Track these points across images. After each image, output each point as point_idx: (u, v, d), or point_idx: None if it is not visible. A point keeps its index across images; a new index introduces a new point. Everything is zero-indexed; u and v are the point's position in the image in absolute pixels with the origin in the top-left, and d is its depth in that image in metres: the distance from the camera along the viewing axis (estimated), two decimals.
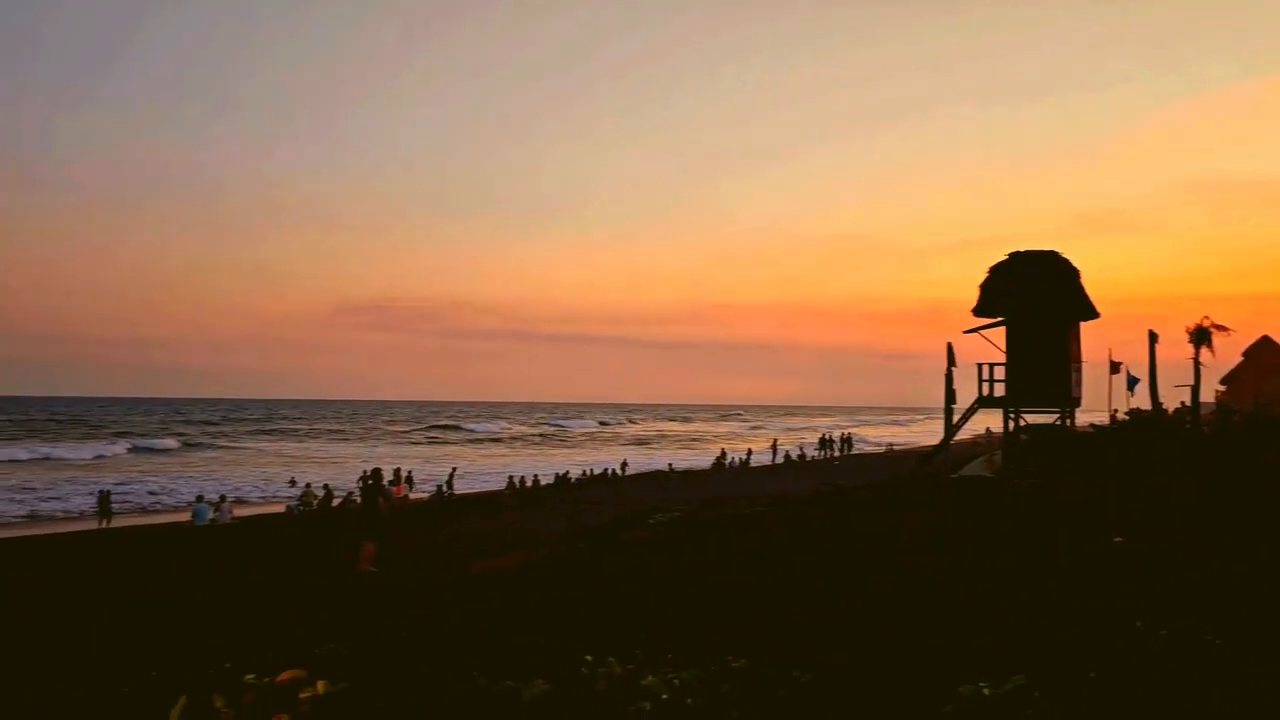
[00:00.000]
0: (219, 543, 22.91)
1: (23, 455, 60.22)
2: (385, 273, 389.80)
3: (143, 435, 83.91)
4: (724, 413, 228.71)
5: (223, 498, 30.05)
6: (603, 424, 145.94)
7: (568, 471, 46.94)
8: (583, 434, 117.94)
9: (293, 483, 47.82)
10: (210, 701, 3.21)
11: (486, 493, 39.88)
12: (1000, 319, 24.04)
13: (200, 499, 29.38)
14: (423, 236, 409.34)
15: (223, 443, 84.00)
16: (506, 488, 41.73)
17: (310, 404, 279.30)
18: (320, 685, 3.27)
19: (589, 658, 3.70)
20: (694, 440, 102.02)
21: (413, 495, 39.77)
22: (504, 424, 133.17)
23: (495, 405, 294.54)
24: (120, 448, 69.47)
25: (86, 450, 66.03)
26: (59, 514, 35.19)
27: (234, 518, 28.90)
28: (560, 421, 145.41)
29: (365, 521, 17.30)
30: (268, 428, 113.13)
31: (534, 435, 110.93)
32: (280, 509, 34.90)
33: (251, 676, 3.36)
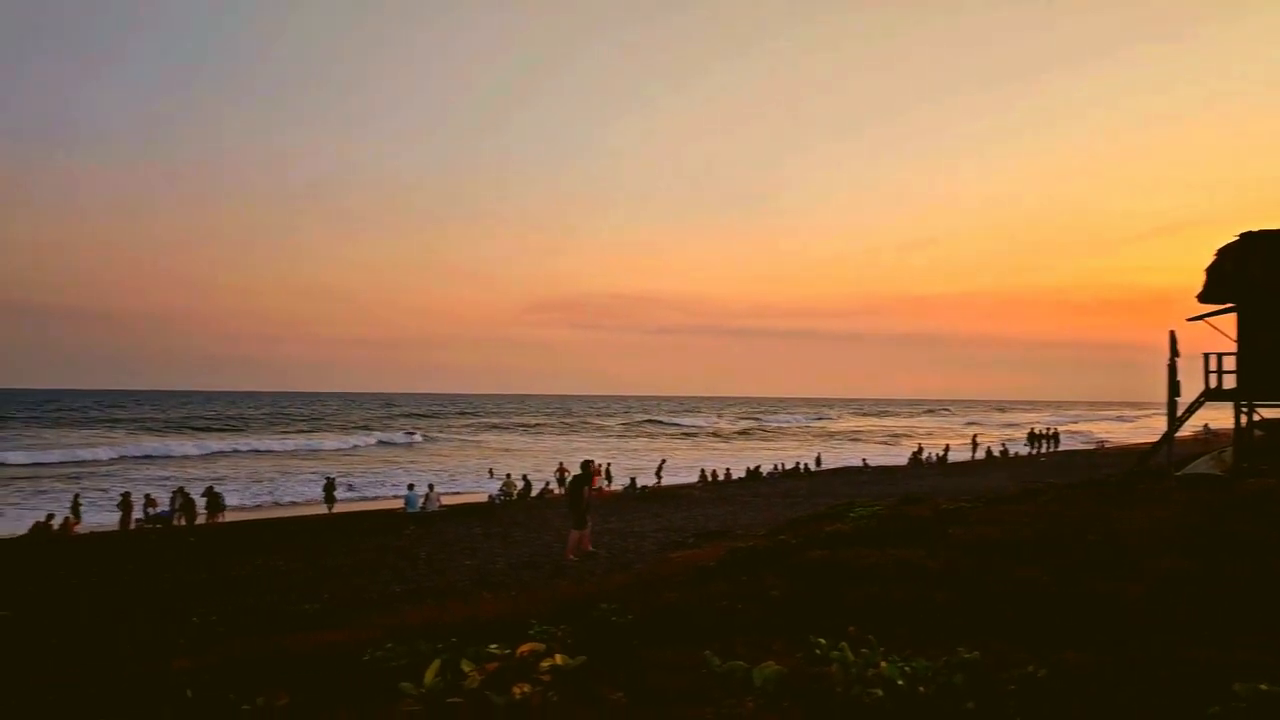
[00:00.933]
0: (421, 528, 24.22)
1: (287, 446, 67.21)
2: (575, 271, 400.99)
3: (385, 430, 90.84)
4: (927, 408, 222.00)
5: (431, 487, 31.65)
6: (818, 418, 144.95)
7: (759, 466, 46.78)
8: (779, 428, 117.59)
9: (492, 473, 49.91)
10: (459, 666, 3.42)
11: (678, 486, 40.24)
12: (1231, 305, 22.12)
13: (411, 487, 31.12)
14: (611, 234, 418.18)
15: (437, 436, 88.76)
16: (698, 481, 42.02)
17: (507, 399, 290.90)
18: (559, 657, 3.41)
19: (821, 641, 3.68)
20: (892, 436, 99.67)
21: (608, 487, 40.70)
22: (710, 419, 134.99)
23: (688, 399, 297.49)
24: (369, 439, 76.61)
25: (344, 442, 73.27)
26: (297, 500, 38.65)
27: (441, 505, 30.42)
28: (763, 417, 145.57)
29: (573, 512, 17.95)
30: (473, 422, 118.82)
31: (733, 431, 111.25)
32: (484, 498, 36.50)
33: (495, 647, 3.56)
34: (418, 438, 79.99)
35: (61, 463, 50.82)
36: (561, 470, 40.63)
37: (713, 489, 36.84)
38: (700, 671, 3.56)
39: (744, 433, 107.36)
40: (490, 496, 35.52)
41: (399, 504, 30.84)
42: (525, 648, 3.53)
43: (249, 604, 13.82)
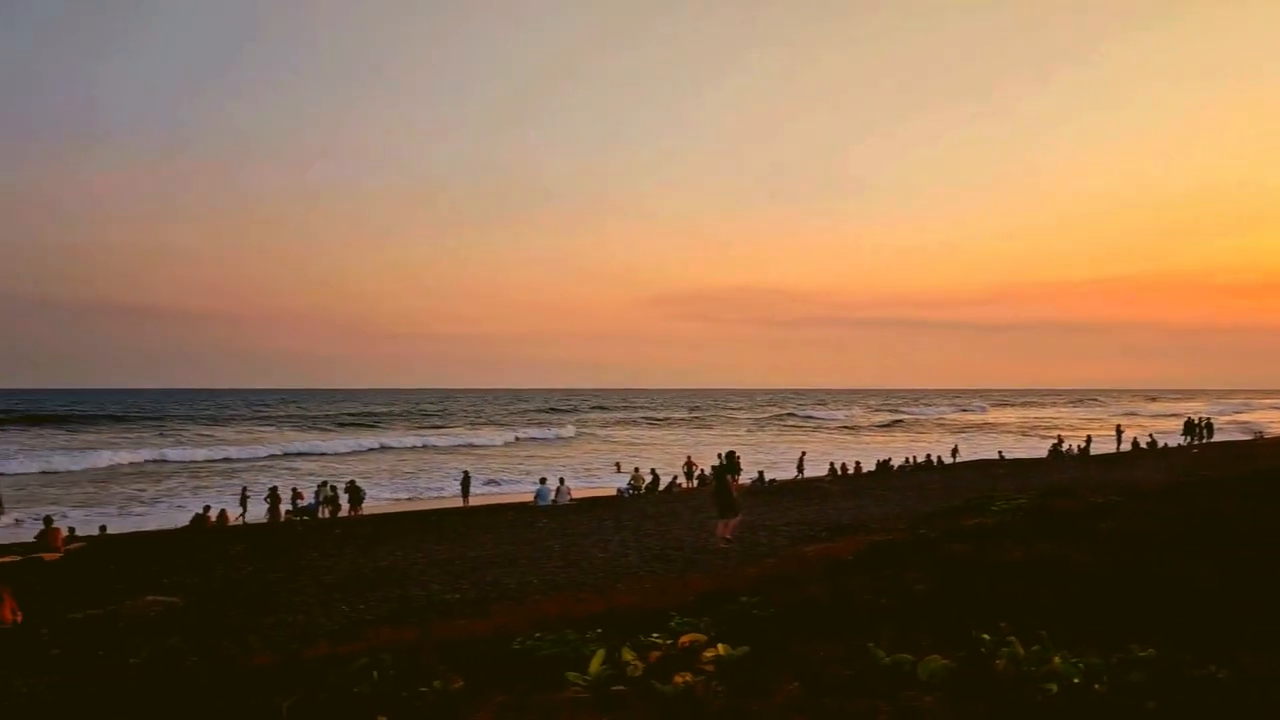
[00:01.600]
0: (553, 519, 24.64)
1: (424, 441, 69.74)
2: (701, 264, 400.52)
3: (517, 425, 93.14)
4: (1075, 398, 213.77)
5: (562, 480, 32.20)
6: (962, 409, 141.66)
7: (889, 459, 45.91)
8: (916, 420, 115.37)
9: (619, 467, 50.42)
10: (621, 656, 3.47)
11: (807, 479, 39.86)
12: None
13: (543, 481, 31.70)
14: (736, 227, 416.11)
15: (568, 430, 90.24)
16: (828, 474, 41.50)
17: (635, 393, 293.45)
18: (721, 647, 3.43)
19: (986, 636, 3.58)
20: (1032, 427, 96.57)
21: (735, 480, 40.55)
22: (844, 411, 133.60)
23: (818, 392, 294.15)
24: (503, 434, 78.21)
25: (479, 437, 75.13)
26: (435, 493, 40.12)
27: (571, 499, 30.90)
28: (901, 409, 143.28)
29: (718, 502, 18.23)
30: (602, 417, 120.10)
31: (871, 423, 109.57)
32: (613, 492, 36.94)
33: (657, 636, 3.60)
34: (551, 433, 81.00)
35: (222, 459, 53.62)
36: (689, 464, 40.70)
37: (842, 482, 36.30)
38: (861, 664, 3.51)
39: (883, 426, 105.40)
40: (619, 490, 35.91)
41: (531, 497, 31.50)
42: (687, 638, 3.56)
43: (393, 594, 14.33)
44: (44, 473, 45.73)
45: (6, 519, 26.58)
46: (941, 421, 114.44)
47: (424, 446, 66.77)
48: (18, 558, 20.34)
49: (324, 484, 33.12)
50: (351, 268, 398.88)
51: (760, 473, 40.39)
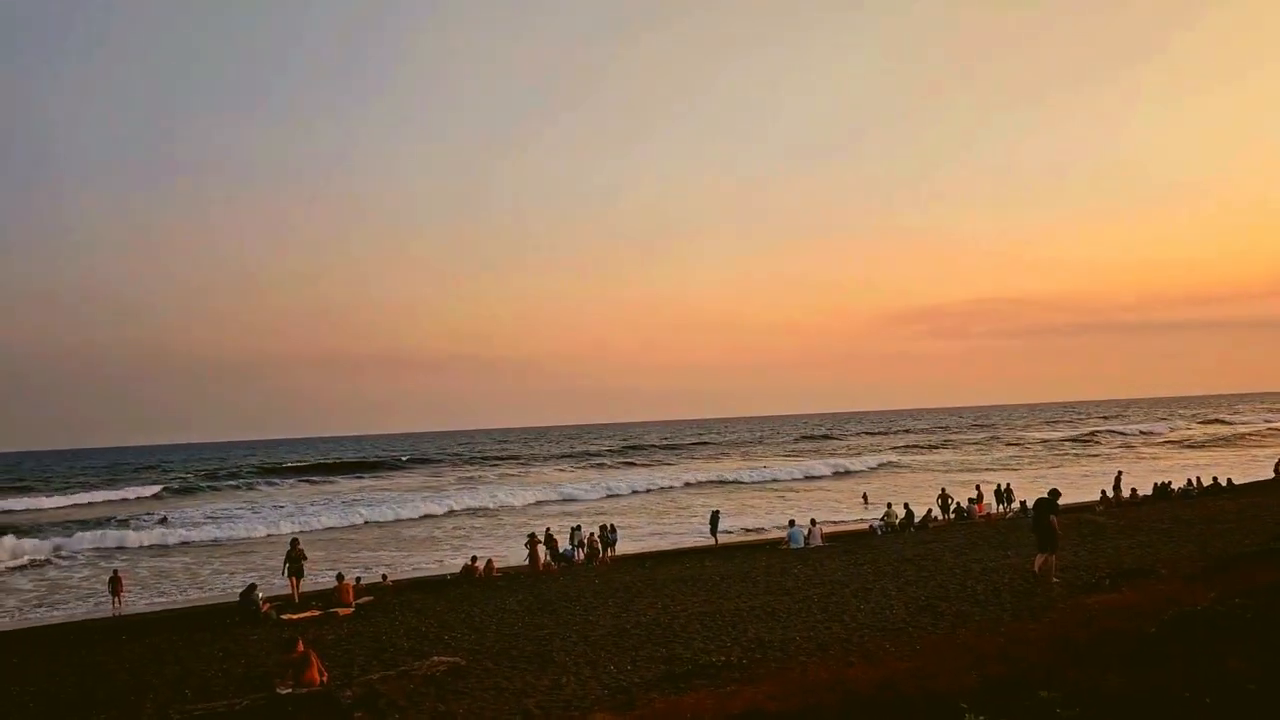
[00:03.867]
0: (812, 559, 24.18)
1: (667, 480, 70.20)
2: (936, 278, 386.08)
3: (760, 459, 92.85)
4: None
5: (813, 521, 31.67)
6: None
7: (1168, 481, 42.14)
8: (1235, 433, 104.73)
9: (866, 499, 49.08)
10: None
11: (1072, 506, 37.14)
12: None
13: (792, 523, 31.27)
14: (970, 237, 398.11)
15: (808, 461, 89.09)
16: (1099, 500, 38.62)
17: (870, 416, 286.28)
18: None
19: None
20: None
21: (997, 510, 38.59)
22: (1138, 425, 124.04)
23: (1077, 405, 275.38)
24: (751, 472, 75.13)
25: (726, 473, 74.17)
26: (684, 532, 40.86)
27: (823, 541, 30.26)
28: (1227, 417, 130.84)
29: (1043, 536, 17.70)
30: (841, 445, 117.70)
31: (1182, 437, 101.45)
32: (864, 528, 35.99)
33: None
34: (796, 472, 75.03)
35: (481, 508, 55.71)
36: (944, 497, 39.01)
37: (1117, 512, 33.49)
38: None
39: (1184, 441, 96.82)
40: (870, 526, 34.93)
41: (779, 535, 31.18)
42: None
43: (659, 653, 14.47)
44: (351, 526, 48.41)
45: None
46: (1243, 431, 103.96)
47: (669, 486, 66.95)
48: (319, 612, 22.25)
49: (577, 528, 34.24)
50: (591, 307, 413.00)
51: (1022, 503, 38.07)
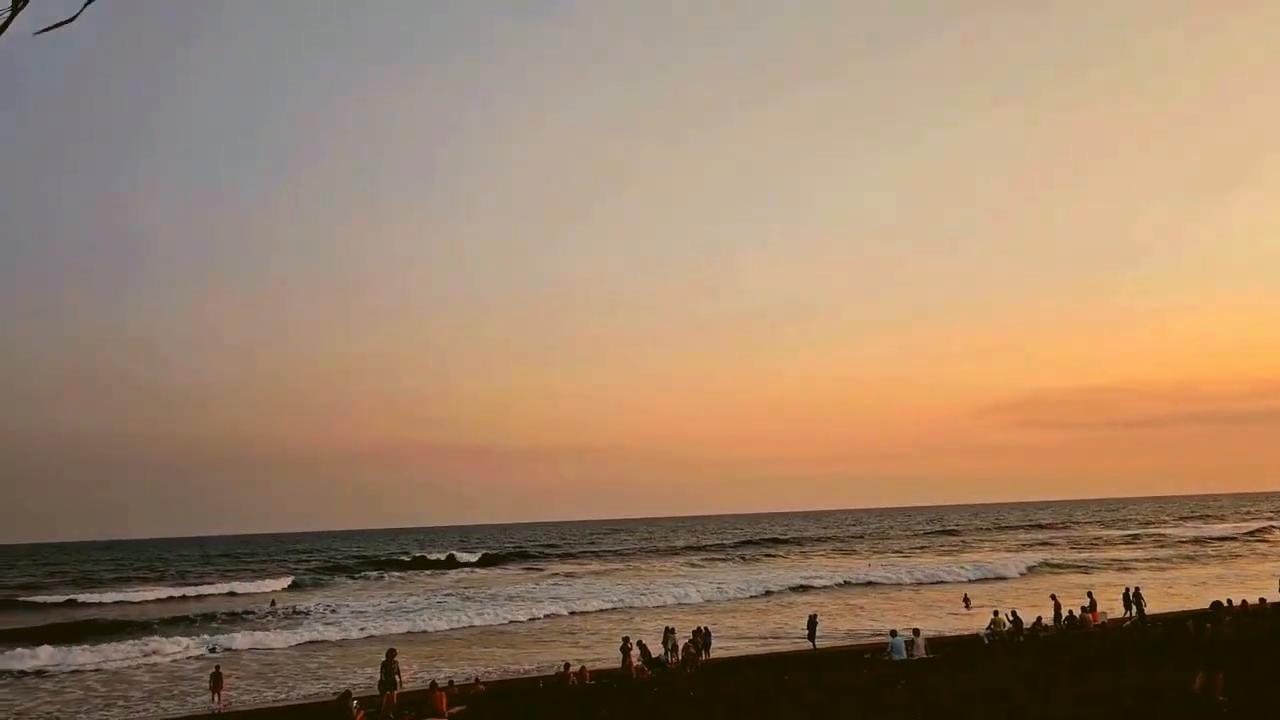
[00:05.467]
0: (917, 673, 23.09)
1: (769, 578, 67.75)
2: (1032, 366, 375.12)
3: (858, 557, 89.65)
4: None
5: (916, 632, 30.39)
6: None
7: None
8: None
9: (967, 602, 46.95)
10: None
11: (1192, 614, 34.86)
12: None
13: (894, 634, 30.04)
14: (1073, 323, 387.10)
15: (907, 558, 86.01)
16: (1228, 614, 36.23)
17: (967, 510, 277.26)
18: None
19: None
20: None
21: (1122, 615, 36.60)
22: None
23: (1193, 500, 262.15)
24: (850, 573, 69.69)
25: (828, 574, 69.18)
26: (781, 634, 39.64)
27: (925, 654, 28.96)
28: None
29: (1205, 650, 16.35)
30: (937, 543, 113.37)
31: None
32: (970, 635, 34.55)
33: None
34: (901, 574, 67.68)
35: (577, 609, 53.00)
36: (1056, 604, 37.14)
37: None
38: None
39: None
40: (980, 635, 33.45)
41: (877, 642, 29.96)
42: None
43: None
44: (451, 629, 46.72)
45: None
46: None
47: (772, 585, 63.97)
48: None
49: (671, 630, 33.61)
50: (680, 401, 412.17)
51: (1140, 610, 35.97)
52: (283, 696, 29.97)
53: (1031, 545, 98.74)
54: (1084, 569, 70.19)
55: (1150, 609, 37.82)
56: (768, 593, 59.96)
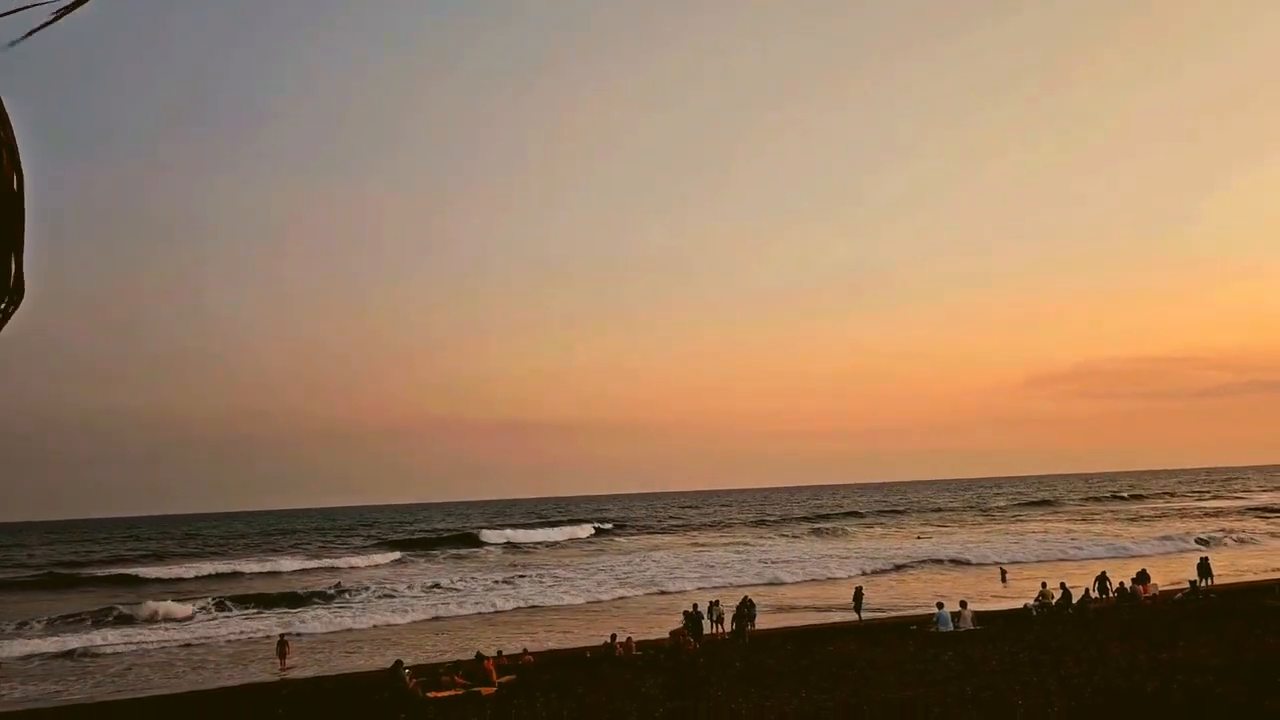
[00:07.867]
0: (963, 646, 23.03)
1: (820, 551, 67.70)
2: (1084, 337, 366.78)
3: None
4: None
5: (964, 604, 30.30)
6: None
7: None
8: None
9: (1004, 576, 46.47)
10: None
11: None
12: None
13: (940, 605, 29.97)
14: (1123, 294, 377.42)
15: (949, 531, 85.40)
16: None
17: (1016, 481, 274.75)
18: None
19: None
20: None
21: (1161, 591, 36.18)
22: None
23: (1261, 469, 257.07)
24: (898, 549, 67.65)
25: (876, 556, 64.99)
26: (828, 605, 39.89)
27: (972, 625, 28.86)
28: None
29: None
30: (985, 517, 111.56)
31: None
32: (1018, 606, 34.35)
33: None
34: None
35: (630, 578, 54.01)
36: (1102, 576, 36.81)
37: None
38: None
39: None
40: (1027, 606, 33.24)
41: (922, 614, 29.89)
42: None
43: None
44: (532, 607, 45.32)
45: None
46: None
47: (822, 555, 63.97)
48: (461, 690, 22.57)
49: (716, 603, 33.85)
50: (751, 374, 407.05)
51: (1192, 583, 35.44)
52: (338, 666, 30.74)
53: (1168, 515, 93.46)
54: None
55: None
56: (820, 558, 60.76)
